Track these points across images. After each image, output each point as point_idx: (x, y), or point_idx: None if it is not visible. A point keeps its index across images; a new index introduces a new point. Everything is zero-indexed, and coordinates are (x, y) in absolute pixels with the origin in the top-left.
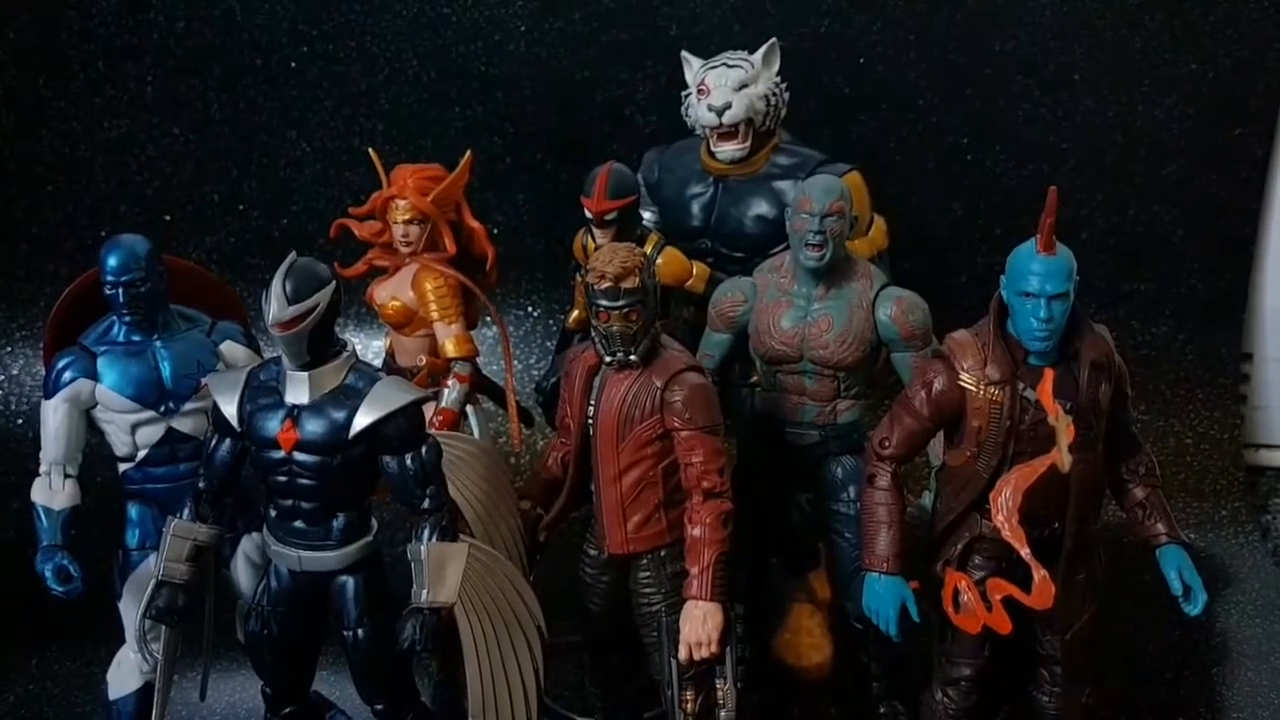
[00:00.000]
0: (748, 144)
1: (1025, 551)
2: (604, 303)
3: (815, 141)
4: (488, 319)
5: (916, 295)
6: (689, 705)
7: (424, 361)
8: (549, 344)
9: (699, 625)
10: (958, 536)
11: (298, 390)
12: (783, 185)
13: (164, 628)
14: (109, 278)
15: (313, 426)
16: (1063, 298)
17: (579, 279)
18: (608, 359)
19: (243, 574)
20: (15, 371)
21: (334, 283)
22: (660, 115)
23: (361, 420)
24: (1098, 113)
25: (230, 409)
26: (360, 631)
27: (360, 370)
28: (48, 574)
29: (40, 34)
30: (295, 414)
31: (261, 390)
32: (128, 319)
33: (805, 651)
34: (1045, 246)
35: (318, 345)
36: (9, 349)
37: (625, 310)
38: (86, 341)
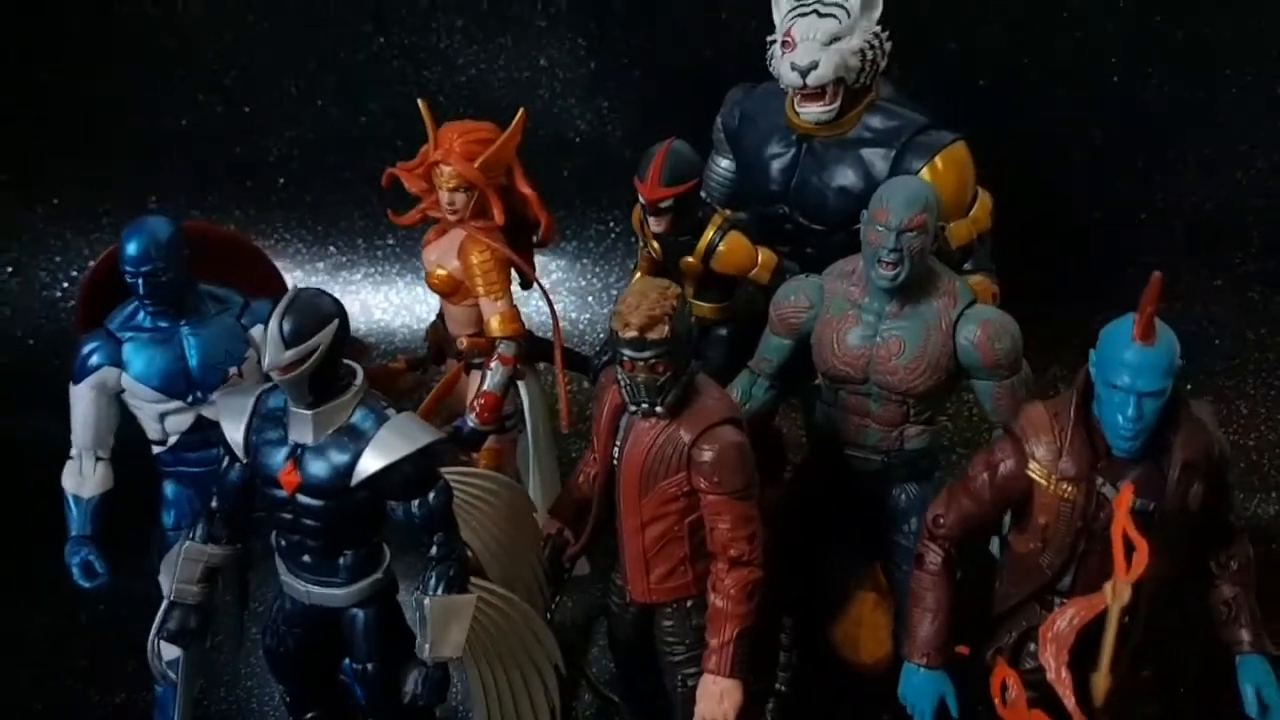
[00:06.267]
0: (836, 104)
1: (1070, 702)
2: (628, 353)
3: (931, 43)
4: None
5: (1007, 318)
6: None
7: (465, 344)
8: (629, 263)
9: (715, 703)
10: (1014, 624)
11: (301, 429)
12: (872, 155)
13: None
14: (128, 268)
15: (315, 469)
16: (1157, 395)
17: (641, 246)
18: (631, 408)
19: None
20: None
21: (337, 319)
22: (761, 21)
23: (365, 467)
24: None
25: (236, 437)
26: (369, 666)
27: (369, 406)
28: (74, 569)
29: None
30: (299, 454)
31: (268, 421)
32: (150, 309)
33: (866, 646)
34: (1142, 335)
35: (321, 385)
36: (92, 227)
37: (651, 362)
38: (112, 326)
